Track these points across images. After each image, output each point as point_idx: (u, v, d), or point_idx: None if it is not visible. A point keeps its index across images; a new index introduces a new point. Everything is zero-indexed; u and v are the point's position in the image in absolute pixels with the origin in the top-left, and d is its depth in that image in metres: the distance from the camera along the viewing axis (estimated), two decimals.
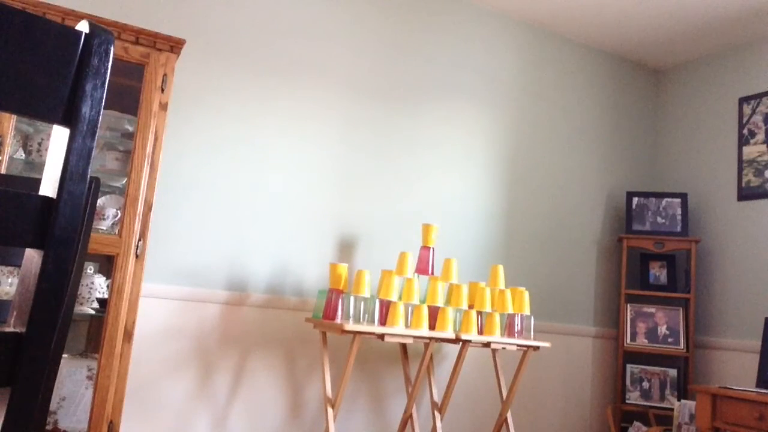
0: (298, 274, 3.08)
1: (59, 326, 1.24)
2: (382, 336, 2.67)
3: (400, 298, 2.97)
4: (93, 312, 2.46)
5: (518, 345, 3.00)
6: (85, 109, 0.65)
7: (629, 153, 4.21)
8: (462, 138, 3.60)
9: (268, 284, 3.01)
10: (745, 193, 3.69)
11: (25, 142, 2.50)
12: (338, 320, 2.74)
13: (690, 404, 3.29)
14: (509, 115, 3.77)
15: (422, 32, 3.54)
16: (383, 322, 2.82)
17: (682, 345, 3.67)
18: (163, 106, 2.45)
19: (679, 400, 3.54)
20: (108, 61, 0.66)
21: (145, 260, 2.40)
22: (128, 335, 2.32)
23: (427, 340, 2.83)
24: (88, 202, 1.32)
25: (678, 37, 3.91)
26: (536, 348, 3.04)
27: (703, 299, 3.83)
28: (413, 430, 2.97)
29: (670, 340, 3.70)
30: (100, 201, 2.56)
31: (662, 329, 3.73)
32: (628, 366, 3.76)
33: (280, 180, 3.08)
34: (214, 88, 2.97)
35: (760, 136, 3.67)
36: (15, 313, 0.64)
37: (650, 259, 3.93)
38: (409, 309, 2.89)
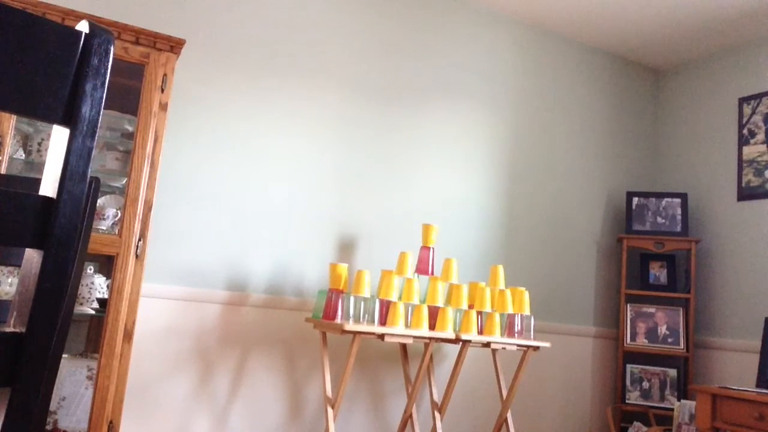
0: (298, 274, 3.08)
1: (59, 326, 1.24)
2: (382, 336, 2.67)
3: (400, 298, 2.97)
4: (93, 312, 2.46)
5: (518, 345, 3.00)
6: (85, 109, 0.65)
7: (629, 153, 4.21)
8: (462, 138, 3.60)
9: (268, 284, 3.01)
10: (745, 193, 3.68)
11: (25, 142, 2.50)
12: (338, 320, 2.74)
13: (690, 404, 3.29)
14: (509, 115, 3.77)
15: (422, 32, 3.54)
16: (383, 322, 2.82)
17: (682, 345, 3.67)
18: (163, 106, 2.45)
19: (679, 400, 3.54)
20: (108, 61, 0.66)
21: (145, 260, 2.40)
22: (128, 335, 2.32)
23: (427, 340, 2.83)
24: (88, 202, 1.32)
25: (678, 37, 3.91)
26: (536, 348, 3.04)
27: (703, 299, 3.83)
28: (413, 430, 2.97)
29: (670, 340, 3.70)
30: (100, 201, 2.56)
31: (662, 329, 3.73)
32: (628, 366, 3.76)
33: (280, 180, 3.08)
34: (214, 88, 2.97)
35: (760, 136, 3.67)
36: (15, 313, 0.64)
37: (650, 259, 3.93)
38: (409, 309, 2.89)
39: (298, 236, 3.10)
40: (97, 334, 2.57)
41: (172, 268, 2.81)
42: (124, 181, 2.55)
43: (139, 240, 2.37)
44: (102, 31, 0.66)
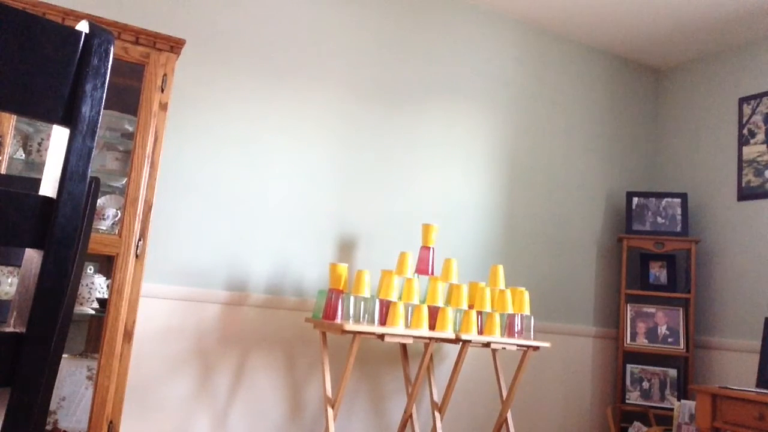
0: (298, 274, 3.08)
1: (59, 326, 1.24)
2: (382, 336, 2.67)
3: (400, 298, 2.97)
4: (93, 312, 2.46)
5: (518, 345, 3.00)
6: (85, 109, 0.65)
7: (629, 153, 4.21)
8: (462, 138, 3.60)
9: (268, 284, 3.01)
10: (745, 193, 3.68)
11: (25, 142, 2.50)
12: (338, 320, 2.74)
13: (690, 404, 3.29)
14: (509, 115, 3.77)
15: (422, 32, 3.54)
16: (383, 322, 2.82)
17: (682, 345, 3.67)
18: (163, 106, 2.45)
19: (679, 400, 3.53)
20: (108, 61, 0.66)
21: (145, 260, 2.40)
22: (128, 335, 2.32)
23: (427, 340, 2.83)
24: (88, 202, 1.32)
25: (678, 37, 3.91)
26: (536, 348, 3.04)
27: (703, 299, 3.83)
28: (413, 430, 2.97)
29: (670, 340, 3.70)
30: (100, 201, 2.56)
31: (662, 329, 3.73)
32: (628, 366, 3.76)
33: (280, 180, 3.08)
34: (214, 88, 2.97)
35: (760, 136, 3.67)
36: (15, 313, 0.64)
37: (650, 259, 3.93)
38: (409, 309, 2.89)
39: (298, 236, 3.10)
40: (97, 334, 2.57)
41: (172, 268, 2.81)
42: (124, 181, 2.55)
43: (139, 240, 2.37)
44: (102, 31, 0.66)
